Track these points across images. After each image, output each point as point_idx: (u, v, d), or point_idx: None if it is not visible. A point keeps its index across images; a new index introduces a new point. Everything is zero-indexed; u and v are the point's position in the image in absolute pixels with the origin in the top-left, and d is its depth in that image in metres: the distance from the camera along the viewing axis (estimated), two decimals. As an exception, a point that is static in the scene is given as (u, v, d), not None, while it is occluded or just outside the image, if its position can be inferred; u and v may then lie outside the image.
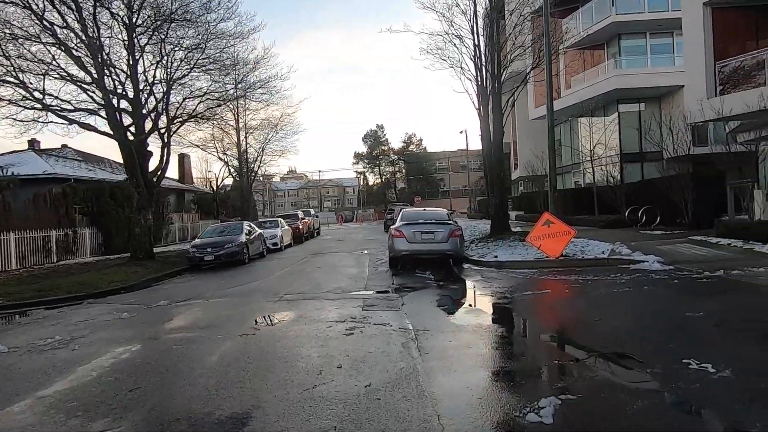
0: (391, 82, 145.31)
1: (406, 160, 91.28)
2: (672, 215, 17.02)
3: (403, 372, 4.53)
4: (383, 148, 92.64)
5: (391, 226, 13.07)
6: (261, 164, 32.93)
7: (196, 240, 17.54)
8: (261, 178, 54.01)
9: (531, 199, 30.19)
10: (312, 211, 36.18)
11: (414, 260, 12.73)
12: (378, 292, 9.25)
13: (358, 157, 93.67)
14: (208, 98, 19.30)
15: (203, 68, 18.43)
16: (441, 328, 6.20)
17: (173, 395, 4.37)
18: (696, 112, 14.42)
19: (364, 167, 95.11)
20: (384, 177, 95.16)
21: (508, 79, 21.24)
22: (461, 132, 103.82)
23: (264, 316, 7.51)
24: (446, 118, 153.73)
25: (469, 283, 9.92)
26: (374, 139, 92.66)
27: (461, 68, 18.22)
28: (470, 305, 7.94)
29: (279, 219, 24.18)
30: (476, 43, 17.54)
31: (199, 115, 19.74)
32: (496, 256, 12.45)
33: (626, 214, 18.58)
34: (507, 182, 33.84)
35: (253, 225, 19.70)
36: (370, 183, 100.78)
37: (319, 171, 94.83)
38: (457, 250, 12.27)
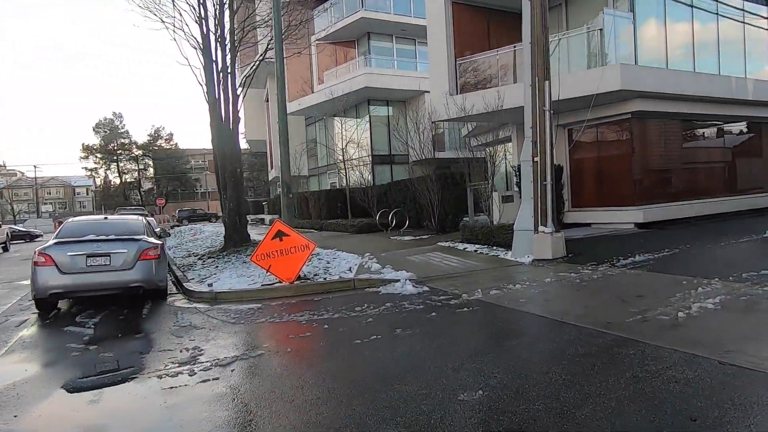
0: (129, 64, 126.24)
1: (153, 156, 78.82)
2: (420, 218, 16.35)
3: None
4: (123, 141, 78.06)
5: (36, 249, 8.09)
6: None
7: None
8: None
9: (285, 201, 27.53)
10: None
11: (86, 299, 8.16)
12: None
13: (89, 150, 76.83)
14: None
15: None
16: None
17: None
18: (441, 107, 13.61)
19: (96, 163, 78.48)
20: (126, 175, 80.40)
21: (262, 69, 18.62)
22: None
23: None
24: (200, 113, 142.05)
25: (144, 342, 6.06)
26: (110, 129, 77.49)
27: (183, 31, 14.01)
28: (88, 415, 4.13)
29: None
30: (201, 0, 13.59)
31: None
32: (210, 285, 8.84)
33: (377, 218, 17.32)
34: (242, 181, 30.53)
35: None
36: (110, 183, 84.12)
37: (35, 166, 74.09)
38: (152, 278, 8.15)
